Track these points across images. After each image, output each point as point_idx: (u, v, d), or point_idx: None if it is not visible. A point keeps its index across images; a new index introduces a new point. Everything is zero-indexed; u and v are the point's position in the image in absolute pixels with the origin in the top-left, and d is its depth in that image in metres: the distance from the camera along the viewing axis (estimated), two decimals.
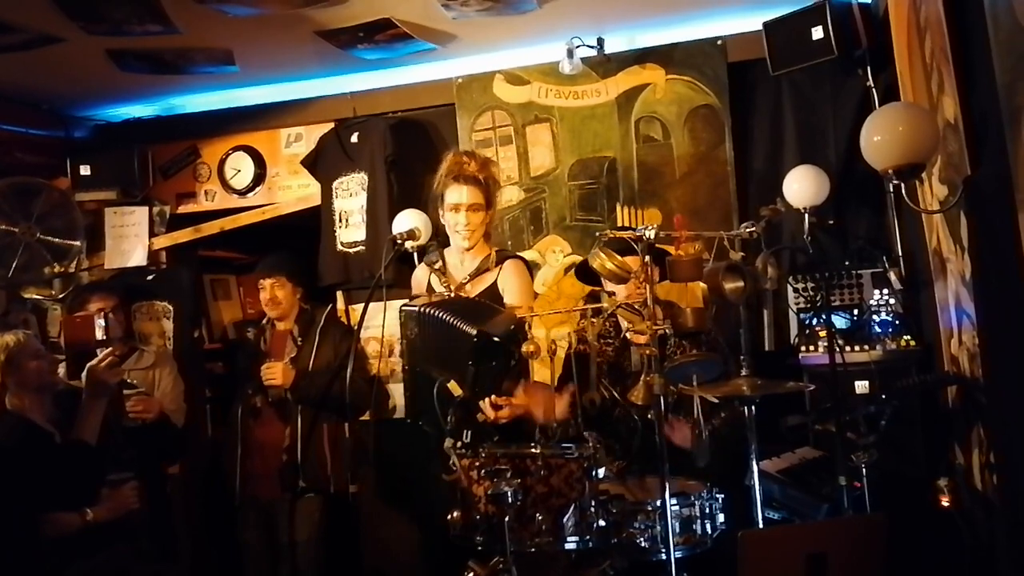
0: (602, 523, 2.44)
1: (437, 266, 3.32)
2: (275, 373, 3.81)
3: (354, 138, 4.37)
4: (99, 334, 2.92)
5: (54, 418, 2.89)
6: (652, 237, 2.51)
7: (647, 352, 2.49)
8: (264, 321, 4.11)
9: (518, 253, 3.58)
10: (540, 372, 3.83)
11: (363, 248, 4.32)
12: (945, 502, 2.72)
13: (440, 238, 3.59)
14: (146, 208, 4.75)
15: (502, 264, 3.27)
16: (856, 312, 3.55)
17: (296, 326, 3.99)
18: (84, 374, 2.83)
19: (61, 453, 2.78)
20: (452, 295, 3.20)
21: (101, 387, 2.84)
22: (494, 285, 3.24)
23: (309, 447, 3.84)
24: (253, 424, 3.95)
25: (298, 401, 3.82)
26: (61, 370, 3.35)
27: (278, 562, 3.89)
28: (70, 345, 2.96)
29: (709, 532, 2.55)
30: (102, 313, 3.01)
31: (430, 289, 3.29)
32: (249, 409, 3.95)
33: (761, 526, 2.53)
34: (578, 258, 4.10)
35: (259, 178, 4.67)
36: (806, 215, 3.55)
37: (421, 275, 3.40)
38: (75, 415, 2.85)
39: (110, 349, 2.88)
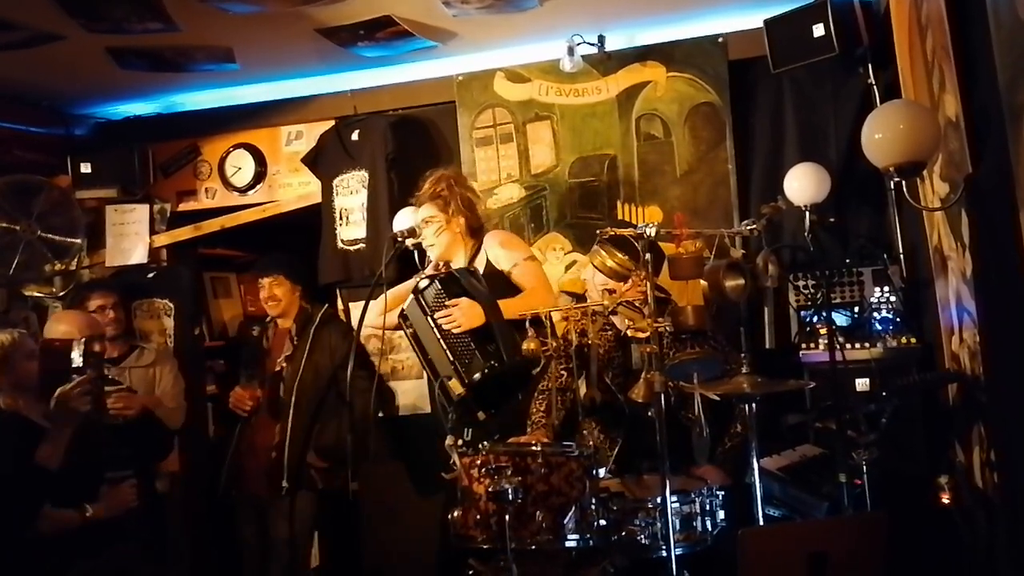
0: (602, 521, 2.44)
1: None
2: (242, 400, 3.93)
3: (355, 136, 4.35)
4: (76, 360, 2.75)
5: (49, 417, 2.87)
6: (653, 234, 2.51)
7: (647, 349, 2.50)
8: (268, 319, 4.13)
9: None
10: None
11: (363, 246, 4.31)
12: (946, 500, 2.72)
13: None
14: (147, 206, 4.74)
15: (480, 242, 3.36)
16: (857, 310, 3.54)
17: (295, 324, 4.00)
18: (53, 399, 2.66)
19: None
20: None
21: (69, 414, 2.67)
22: (488, 264, 3.29)
23: (298, 446, 3.83)
24: (249, 421, 3.96)
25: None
26: None
27: (271, 559, 3.89)
28: (45, 371, 2.74)
29: (709, 529, 2.55)
30: (82, 339, 2.84)
31: None
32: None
33: (761, 524, 2.53)
34: (579, 256, 4.10)
35: (259, 176, 4.66)
36: (807, 213, 3.55)
37: (406, 291, 3.39)
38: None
39: (84, 377, 2.72)
